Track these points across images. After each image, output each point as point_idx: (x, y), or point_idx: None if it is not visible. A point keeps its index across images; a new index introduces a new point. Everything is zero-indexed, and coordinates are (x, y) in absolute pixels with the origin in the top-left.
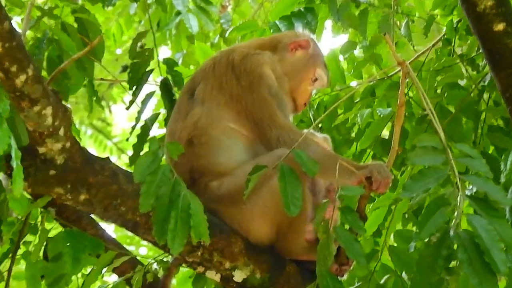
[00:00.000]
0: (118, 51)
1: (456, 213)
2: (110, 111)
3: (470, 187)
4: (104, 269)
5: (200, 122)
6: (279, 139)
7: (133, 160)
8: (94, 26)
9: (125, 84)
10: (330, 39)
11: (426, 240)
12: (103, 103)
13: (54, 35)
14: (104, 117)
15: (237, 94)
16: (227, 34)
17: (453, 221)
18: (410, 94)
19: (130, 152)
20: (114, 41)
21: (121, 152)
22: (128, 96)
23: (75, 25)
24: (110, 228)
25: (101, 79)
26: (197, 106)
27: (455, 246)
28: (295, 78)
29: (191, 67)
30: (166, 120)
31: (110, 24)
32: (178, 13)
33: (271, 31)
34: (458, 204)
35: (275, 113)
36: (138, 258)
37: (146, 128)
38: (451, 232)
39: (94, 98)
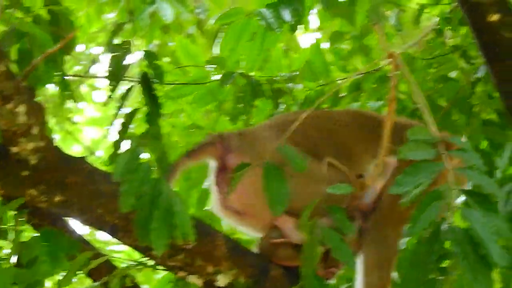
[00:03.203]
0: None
1: (449, 208)
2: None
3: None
4: (80, 272)
5: None
6: None
7: (112, 158)
8: (66, 18)
9: (94, 79)
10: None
11: (419, 237)
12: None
13: (24, 28)
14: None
15: None
16: (213, 22)
17: (447, 216)
18: (401, 87)
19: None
20: (82, 32)
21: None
22: (97, 93)
23: (47, 17)
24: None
25: (75, 75)
26: None
27: (448, 244)
28: None
29: (165, 59)
30: (147, 116)
31: (79, 14)
32: (152, 2)
33: (258, 19)
34: (451, 198)
35: None
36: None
37: (126, 125)
38: (445, 227)
39: (67, 93)
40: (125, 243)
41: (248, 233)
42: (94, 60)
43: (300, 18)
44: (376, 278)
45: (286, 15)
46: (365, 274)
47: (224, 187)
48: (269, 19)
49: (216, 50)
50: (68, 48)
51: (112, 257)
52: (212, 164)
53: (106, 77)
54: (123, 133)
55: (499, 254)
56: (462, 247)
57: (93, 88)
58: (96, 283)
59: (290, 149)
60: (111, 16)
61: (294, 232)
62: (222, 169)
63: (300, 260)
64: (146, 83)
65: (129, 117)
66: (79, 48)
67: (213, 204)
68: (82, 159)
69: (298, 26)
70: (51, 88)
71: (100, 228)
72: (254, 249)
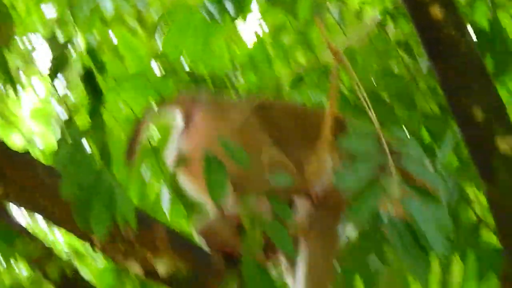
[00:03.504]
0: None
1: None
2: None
3: None
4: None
5: None
6: None
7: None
8: (3, 11)
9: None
10: (256, 24)
11: (360, 227)
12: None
13: None
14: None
15: None
16: (156, 18)
17: (387, 207)
18: (344, 81)
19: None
20: (21, 24)
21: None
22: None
23: None
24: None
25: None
26: None
27: (388, 235)
28: None
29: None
30: (90, 112)
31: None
32: None
33: (201, 12)
34: (393, 190)
35: None
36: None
37: (69, 121)
38: (385, 217)
39: (9, 83)
40: (68, 231)
41: (194, 195)
42: (33, 50)
43: (242, 7)
44: (318, 268)
45: (229, 7)
46: (307, 263)
47: (182, 140)
48: (213, 11)
49: (158, 42)
50: (6, 41)
51: (53, 246)
52: (179, 116)
53: (48, 74)
54: (67, 129)
55: (440, 243)
56: (402, 238)
57: (33, 73)
58: (36, 272)
59: (232, 143)
60: (50, 7)
61: (229, 205)
62: (187, 123)
63: (240, 248)
64: (88, 77)
65: (71, 114)
66: (18, 39)
67: (168, 154)
68: (25, 153)
69: (241, 19)
70: None
71: (43, 217)
72: (195, 236)
